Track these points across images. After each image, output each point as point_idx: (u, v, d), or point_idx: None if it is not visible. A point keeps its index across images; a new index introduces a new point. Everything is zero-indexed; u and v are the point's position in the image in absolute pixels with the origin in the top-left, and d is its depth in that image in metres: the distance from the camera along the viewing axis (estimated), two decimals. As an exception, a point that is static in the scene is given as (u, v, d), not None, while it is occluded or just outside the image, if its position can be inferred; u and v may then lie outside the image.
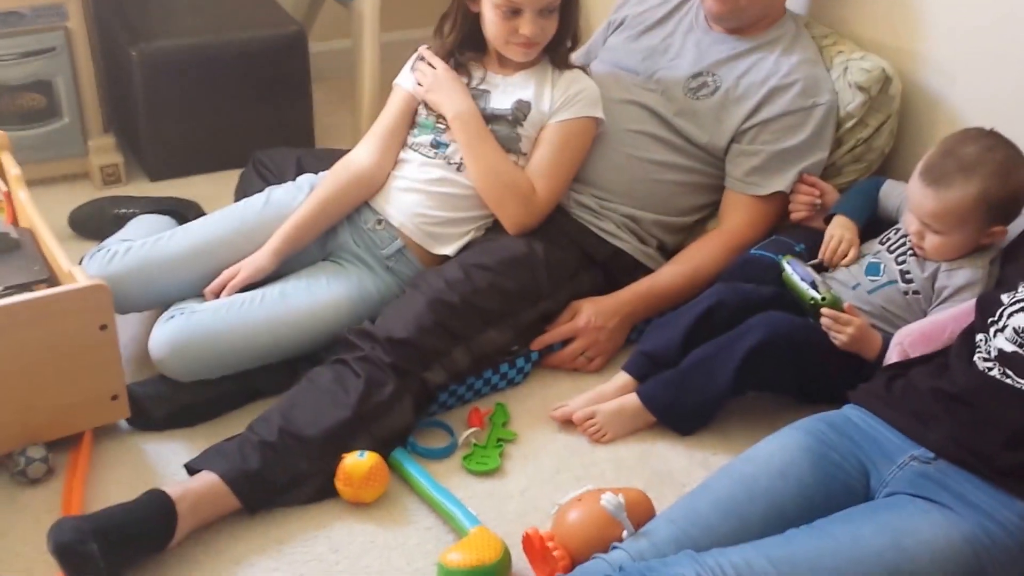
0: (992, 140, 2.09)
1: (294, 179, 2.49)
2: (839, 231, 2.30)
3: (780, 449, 1.86)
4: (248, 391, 2.23)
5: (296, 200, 2.39)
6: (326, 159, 2.52)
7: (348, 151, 2.48)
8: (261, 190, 2.46)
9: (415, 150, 2.41)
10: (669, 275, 2.43)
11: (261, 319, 2.20)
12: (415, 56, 2.47)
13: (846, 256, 2.27)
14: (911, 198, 2.14)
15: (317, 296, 2.26)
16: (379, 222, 2.37)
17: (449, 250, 2.36)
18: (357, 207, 2.40)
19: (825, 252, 2.28)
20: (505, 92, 2.39)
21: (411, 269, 2.36)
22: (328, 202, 2.36)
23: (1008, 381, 1.83)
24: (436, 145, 2.39)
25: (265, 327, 2.20)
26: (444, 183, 2.37)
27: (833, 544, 1.68)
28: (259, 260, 2.30)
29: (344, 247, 2.38)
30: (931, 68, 2.47)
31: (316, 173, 2.49)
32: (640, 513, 1.88)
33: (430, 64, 2.41)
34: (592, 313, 2.36)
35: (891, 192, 2.37)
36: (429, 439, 2.18)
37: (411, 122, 2.44)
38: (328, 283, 2.29)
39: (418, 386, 2.13)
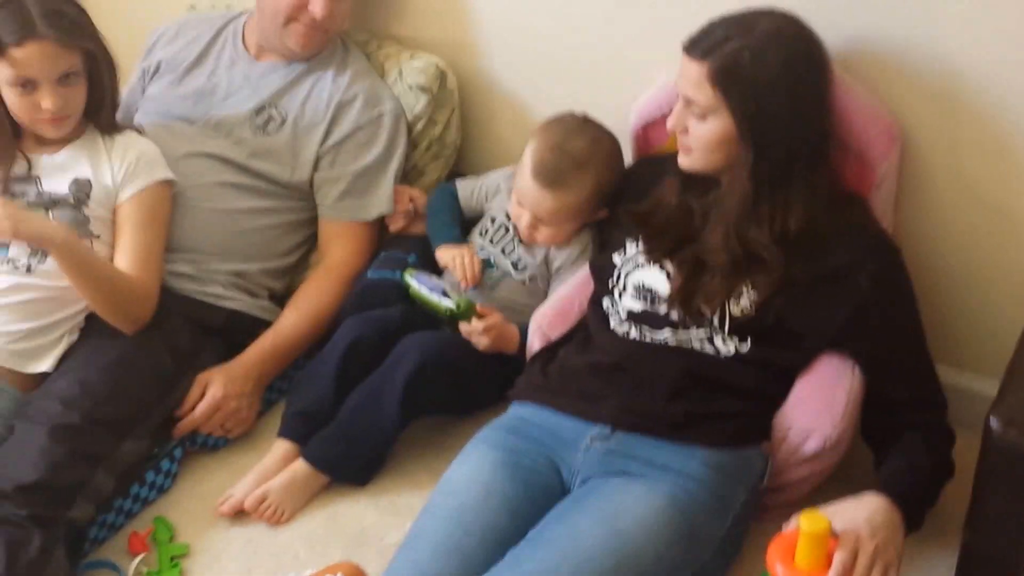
0: (594, 130, 2.17)
1: None
2: (455, 252, 2.24)
3: (476, 471, 1.83)
4: None
5: None
6: None
7: None
8: None
9: None
10: (291, 324, 2.28)
11: None
12: None
13: (476, 268, 2.22)
14: (527, 196, 2.16)
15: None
16: (-48, 353, 2.02)
17: (46, 365, 2.05)
18: None
19: (465, 278, 2.21)
20: (56, 173, 2.11)
21: (9, 400, 2.01)
22: None
23: (648, 339, 1.91)
24: None
25: None
26: (17, 290, 2.04)
27: (557, 550, 1.66)
28: None
29: (-87, 392, 2.00)
30: (478, 55, 2.50)
31: None
32: (359, 586, 1.79)
33: None
34: (225, 381, 2.15)
35: (469, 193, 2.38)
36: (94, 585, 1.92)
37: None
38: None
39: (66, 530, 1.85)
